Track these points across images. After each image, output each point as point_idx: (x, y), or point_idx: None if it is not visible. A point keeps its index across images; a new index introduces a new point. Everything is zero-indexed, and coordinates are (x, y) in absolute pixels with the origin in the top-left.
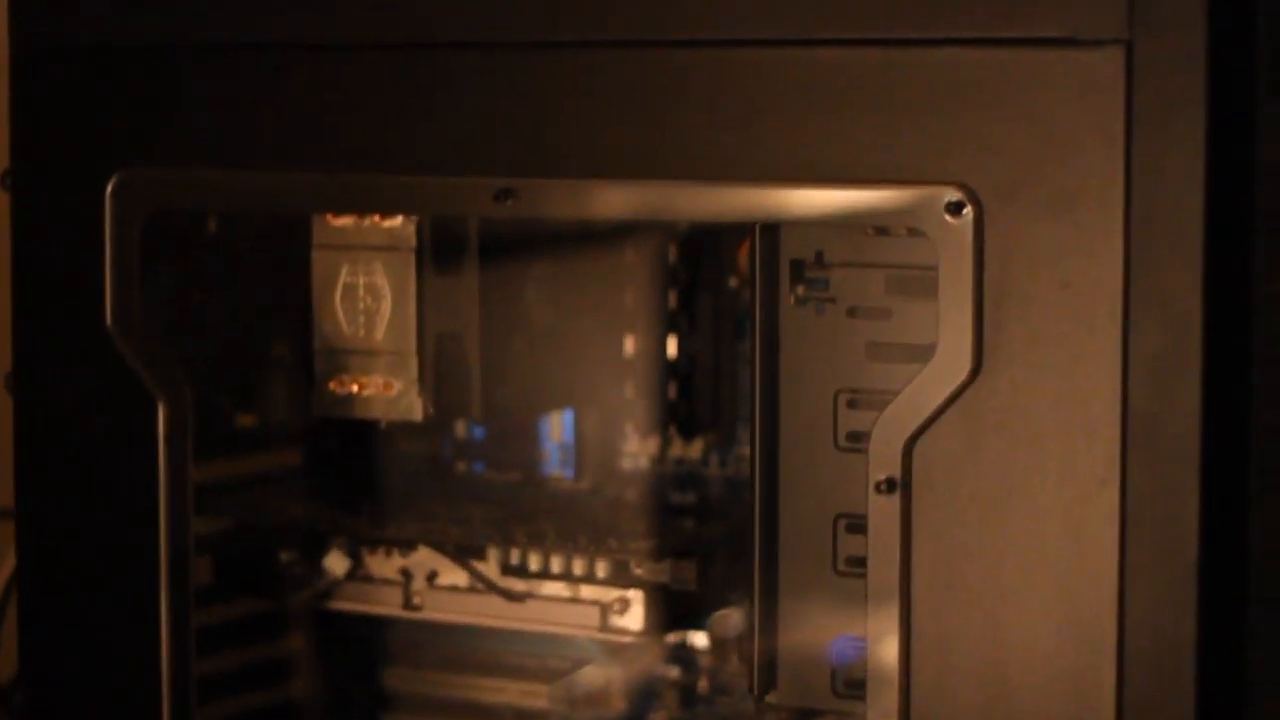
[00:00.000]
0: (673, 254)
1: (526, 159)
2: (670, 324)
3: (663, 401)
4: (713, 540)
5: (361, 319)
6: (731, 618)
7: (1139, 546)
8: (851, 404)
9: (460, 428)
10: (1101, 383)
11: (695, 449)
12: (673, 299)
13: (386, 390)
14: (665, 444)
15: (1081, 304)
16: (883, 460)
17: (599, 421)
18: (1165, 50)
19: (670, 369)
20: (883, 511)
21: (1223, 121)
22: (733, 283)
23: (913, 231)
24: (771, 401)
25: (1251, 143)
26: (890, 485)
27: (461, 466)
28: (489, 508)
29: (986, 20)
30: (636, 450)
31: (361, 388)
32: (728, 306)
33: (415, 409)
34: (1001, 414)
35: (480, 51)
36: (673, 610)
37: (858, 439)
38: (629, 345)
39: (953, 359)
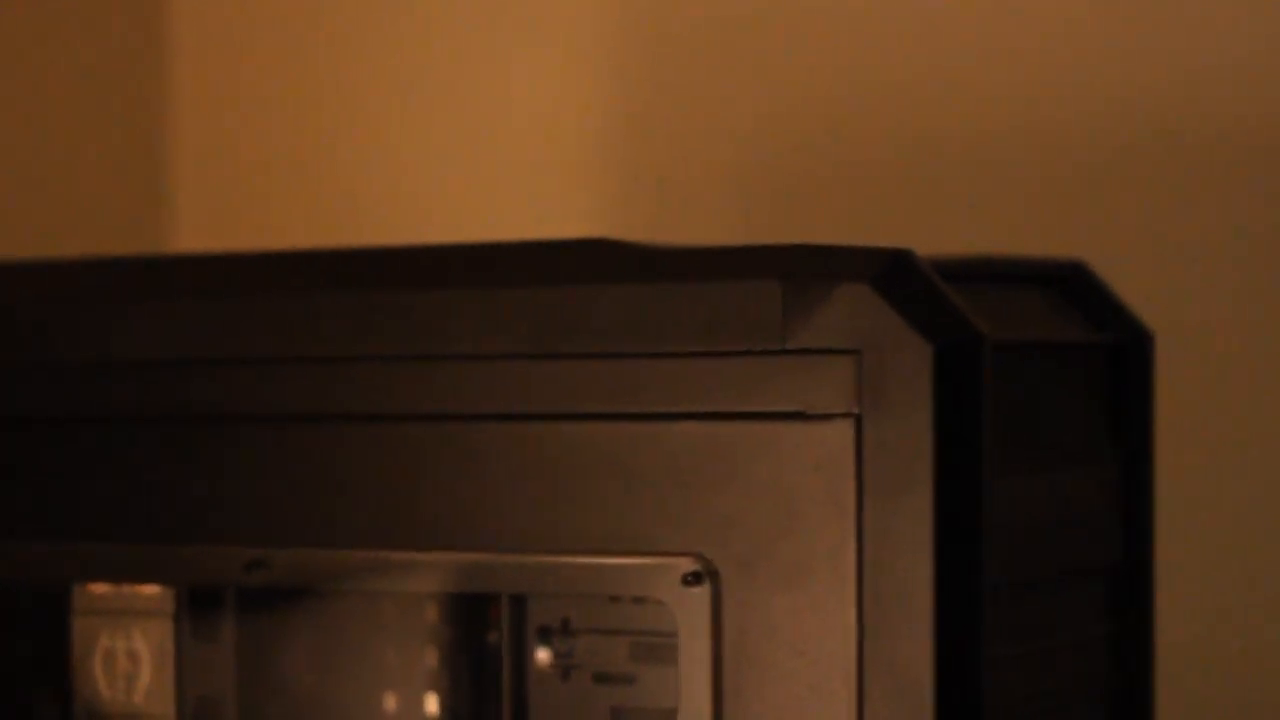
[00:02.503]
0: (432, 614)
1: (277, 530)
2: (430, 683)
3: None
4: None
5: (121, 683)
6: None
7: None
8: None
9: None
10: None
11: None
12: (432, 658)
13: None
14: None
15: (817, 672)
16: None
17: None
18: (894, 424)
19: None
20: None
21: (951, 493)
22: (492, 640)
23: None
24: None
25: (979, 512)
26: None
27: None
28: None
29: (719, 395)
30: None
31: None
32: (486, 664)
33: None
34: None
35: (232, 424)
36: None
37: None
38: (390, 703)
39: None
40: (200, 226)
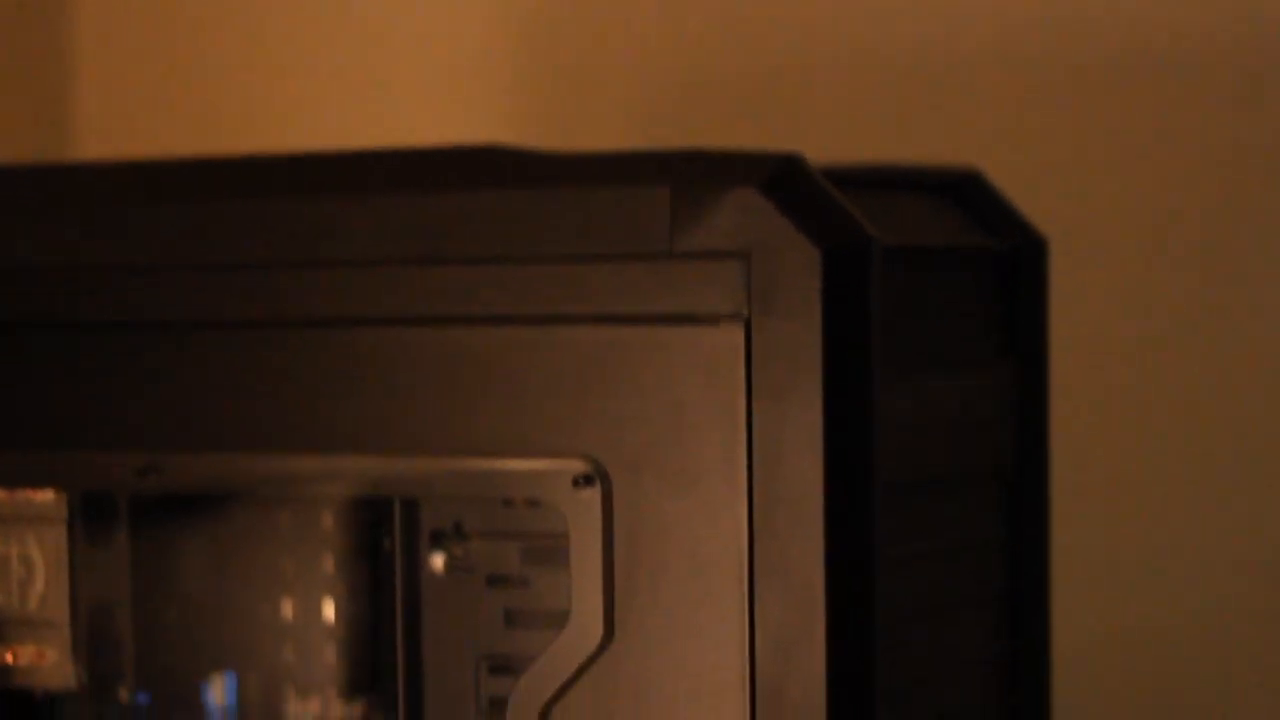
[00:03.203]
0: (328, 520)
1: (168, 434)
2: (327, 588)
3: (322, 663)
4: None
5: (16, 590)
6: None
7: None
8: (493, 670)
9: (124, 695)
10: (729, 652)
11: (356, 710)
12: (328, 564)
13: (40, 660)
14: (325, 706)
15: (708, 575)
16: None
17: (260, 685)
18: (783, 328)
19: (329, 631)
20: None
21: (841, 396)
22: (387, 545)
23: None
24: (415, 668)
25: (869, 415)
26: None
27: None
28: None
29: (608, 299)
30: (299, 712)
31: (16, 657)
32: (383, 569)
33: (69, 678)
34: (632, 681)
35: (123, 331)
36: None
37: (500, 705)
38: (287, 609)
39: (585, 628)
40: (99, 134)
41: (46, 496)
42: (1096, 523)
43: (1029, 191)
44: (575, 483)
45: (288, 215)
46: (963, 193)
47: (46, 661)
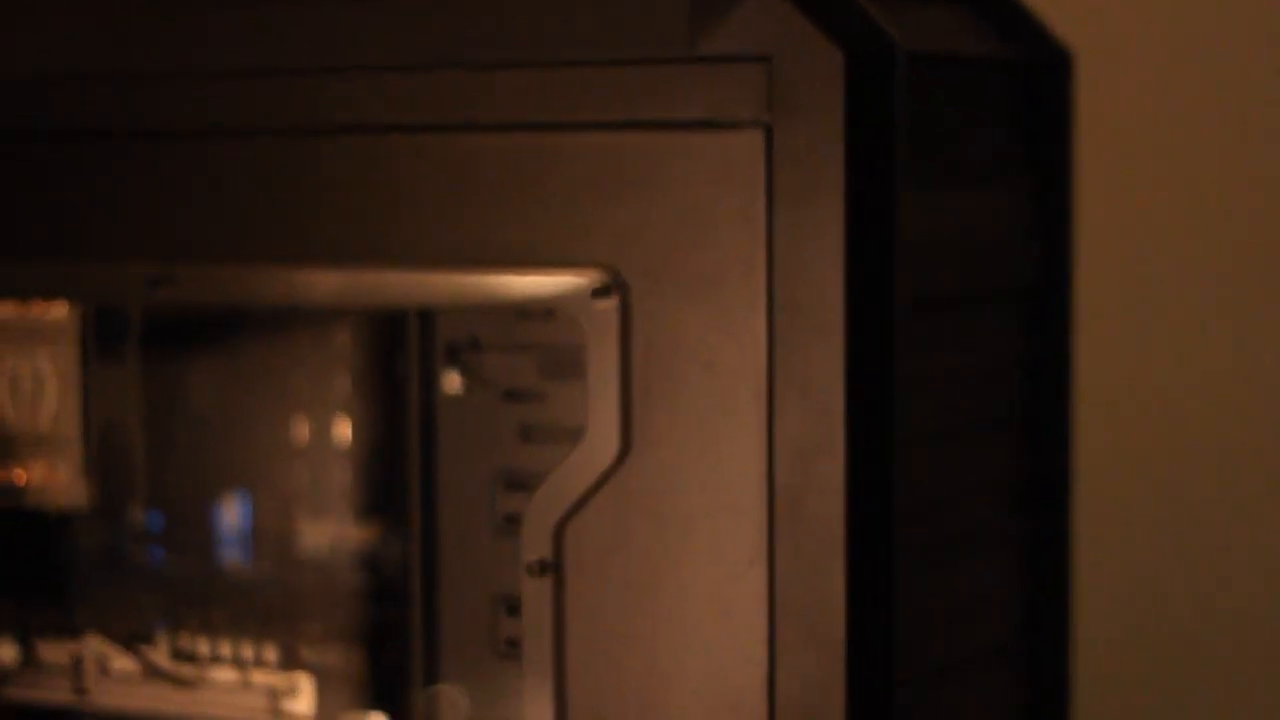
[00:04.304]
0: (342, 338)
1: (181, 246)
2: (341, 407)
3: (335, 485)
4: (383, 624)
5: (26, 406)
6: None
7: (788, 626)
8: (508, 486)
9: (136, 515)
10: (747, 464)
11: (369, 532)
12: (343, 383)
13: (52, 478)
14: (339, 527)
15: (726, 386)
16: (535, 542)
17: (273, 506)
18: (804, 133)
19: (342, 452)
20: (536, 594)
21: (863, 204)
22: (402, 366)
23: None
24: (430, 485)
25: (891, 226)
26: (543, 567)
27: (138, 553)
28: (164, 594)
29: (625, 104)
30: (311, 534)
31: (27, 476)
32: (398, 389)
33: (80, 496)
34: (650, 495)
35: (131, 139)
36: (346, 694)
37: (515, 521)
38: (300, 429)
39: (601, 441)
40: None
41: (58, 312)
42: (1120, 344)
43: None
44: (593, 293)
45: (299, 20)
46: (986, 4)
47: (58, 480)
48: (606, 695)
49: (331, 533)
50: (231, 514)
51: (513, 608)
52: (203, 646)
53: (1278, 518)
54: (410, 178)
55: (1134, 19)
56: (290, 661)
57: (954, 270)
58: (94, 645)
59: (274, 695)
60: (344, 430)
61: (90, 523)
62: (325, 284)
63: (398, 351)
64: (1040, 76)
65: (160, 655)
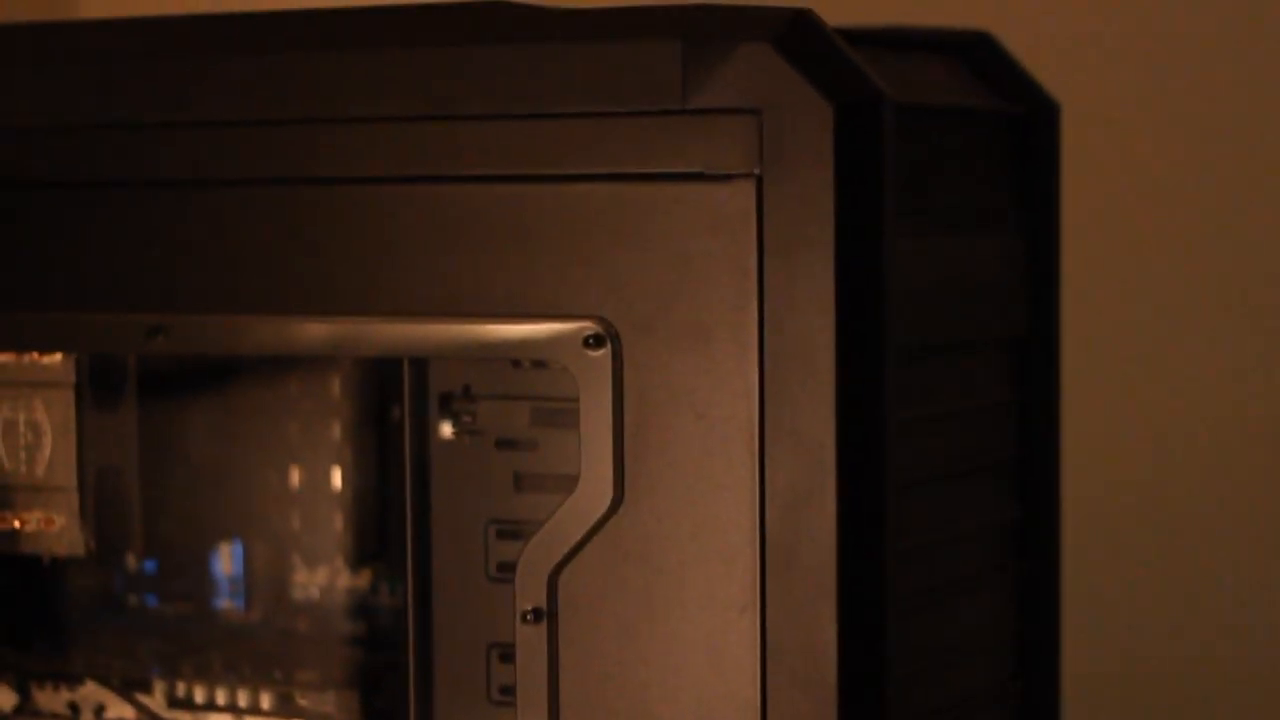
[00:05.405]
0: (336, 386)
1: (176, 296)
2: (335, 455)
3: (330, 532)
4: (377, 670)
5: (22, 455)
6: None
7: (780, 671)
8: (501, 534)
9: (131, 561)
10: (739, 512)
11: (363, 579)
12: (337, 430)
13: (48, 525)
14: (333, 574)
15: (718, 435)
16: (529, 590)
17: (267, 553)
18: (794, 184)
19: (336, 500)
20: (530, 641)
21: (852, 254)
22: (395, 414)
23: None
24: (424, 532)
25: (881, 274)
26: (537, 615)
27: (133, 600)
28: (159, 640)
29: (618, 156)
30: (306, 581)
31: (23, 523)
32: (391, 438)
33: (77, 544)
34: (643, 543)
35: (127, 189)
36: None
37: (508, 569)
38: (295, 477)
39: (595, 490)
40: None
41: (54, 360)
42: (1106, 388)
43: (1042, 58)
44: (586, 343)
45: (294, 72)
46: (975, 55)
47: (54, 527)
48: None
49: (326, 580)
50: (227, 561)
51: (506, 655)
52: (199, 693)
53: (1267, 559)
54: (404, 228)
55: (1120, 71)
56: (285, 708)
57: (943, 317)
58: (91, 692)
59: None
60: (338, 478)
61: (87, 569)
62: (319, 333)
63: (391, 400)
64: (1027, 127)
65: (156, 702)
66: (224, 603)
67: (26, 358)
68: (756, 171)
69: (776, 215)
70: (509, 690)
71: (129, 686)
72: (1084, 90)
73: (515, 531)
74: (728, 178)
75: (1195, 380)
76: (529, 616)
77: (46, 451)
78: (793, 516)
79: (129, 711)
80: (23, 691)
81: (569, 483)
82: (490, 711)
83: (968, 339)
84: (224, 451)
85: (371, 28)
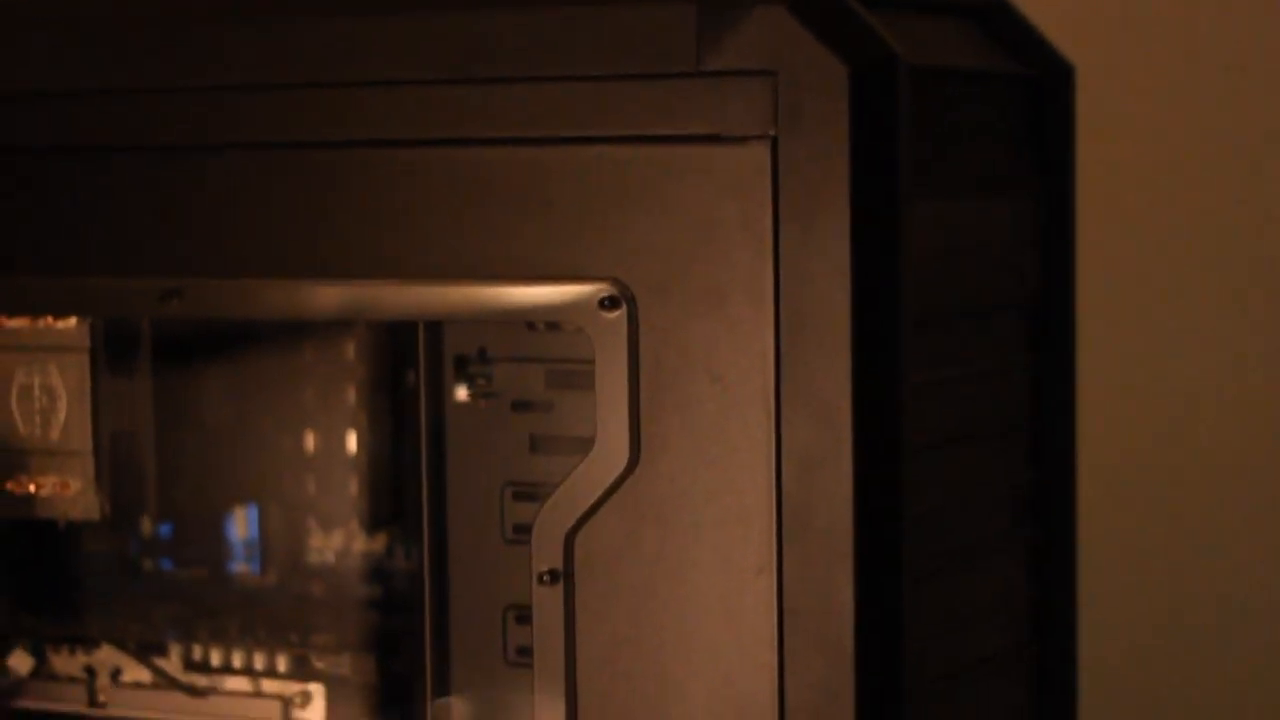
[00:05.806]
0: (350, 350)
1: (191, 260)
2: (350, 419)
3: (345, 496)
4: (393, 633)
5: (38, 419)
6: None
7: (796, 633)
8: (517, 496)
9: (146, 525)
10: (755, 473)
11: (378, 543)
12: (352, 395)
13: (64, 490)
14: (349, 538)
15: (734, 397)
16: (545, 552)
17: (283, 517)
18: (809, 147)
19: (351, 464)
20: (547, 603)
21: (867, 216)
22: (410, 378)
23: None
24: (439, 495)
25: (896, 237)
26: (553, 576)
27: (149, 564)
28: (175, 604)
29: (633, 118)
30: (321, 545)
31: (39, 487)
32: (406, 402)
33: (92, 508)
34: (659, 504)
35: (143, 154)
36: (357, 703)
37: (524, 531)
38: (310, 441)
39: (611, 451)
40: None
41: (69, 324)
42: (1122, 352)
43: (1056, 21)
44: (601, 304)
45: (311, 36)
46: (989, 18)
47: (70, 492)
48: (616, 703)
49: (342, 543)
50: (242, 525)
51: (523, 617)
52: (215, 656)
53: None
54: (419, 191)
55: (1134, 33)
56: (302, 671)
57: (958, 281)
58: (107, 655)
59: (286, 704)
60: (353, 442)
61: (102, 534)
62: (334, 297)
63: (406, 363)
64: (1042, 90)
65: (173, 665)
66: (239, 567)
67: (42, 322)
68: (772, 134)
69: (792, 178)
70: (526, 651)
71: (145, 650)
72: (1098, 53)
73: (531, 494)
74: (743, 140)
75: (1212, 344)
76: (545, 578)
77: (62, 416)
78: (809, 479)
79: (145, 675)
80: (39, 655)
81: (584, 445)
82: (507, 673)
83: (983, 302)
84: (239, 415)
85: None
